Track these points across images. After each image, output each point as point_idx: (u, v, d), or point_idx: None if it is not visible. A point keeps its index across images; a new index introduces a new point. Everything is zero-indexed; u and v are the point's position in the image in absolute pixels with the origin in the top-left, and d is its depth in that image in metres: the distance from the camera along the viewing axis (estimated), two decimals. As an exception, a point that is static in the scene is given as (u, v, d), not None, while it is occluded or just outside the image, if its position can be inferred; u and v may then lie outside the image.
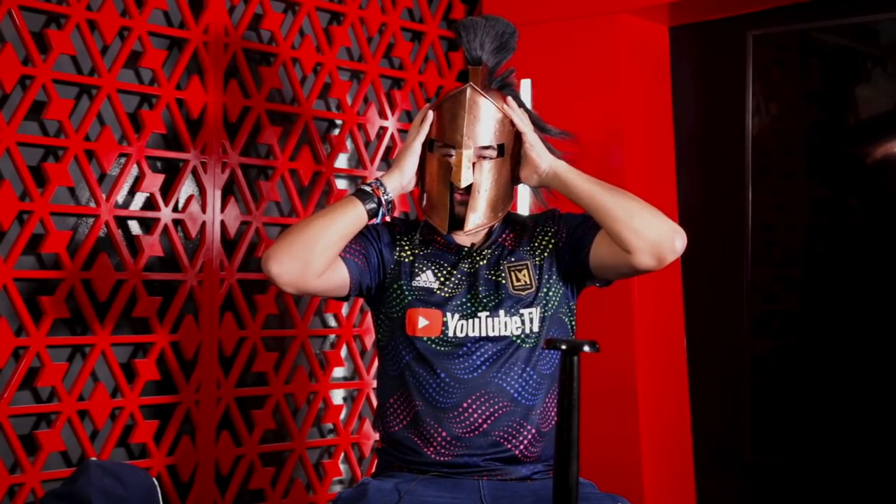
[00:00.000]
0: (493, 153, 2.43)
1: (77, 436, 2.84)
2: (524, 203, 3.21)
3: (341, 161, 3.44)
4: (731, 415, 3.58)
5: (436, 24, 3.65)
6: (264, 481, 3.19)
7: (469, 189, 2.41)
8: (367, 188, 2.41)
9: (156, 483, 2.46)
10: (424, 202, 2.50)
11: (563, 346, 1.83)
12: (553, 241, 2.48)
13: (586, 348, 1.83)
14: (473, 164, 2.41)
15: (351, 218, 2.37)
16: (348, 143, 3.45)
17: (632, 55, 3.51)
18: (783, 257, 3.59)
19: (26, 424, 2.80)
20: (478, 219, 2.43)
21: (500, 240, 2.50)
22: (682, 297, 3.60)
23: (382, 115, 3.50)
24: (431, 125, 2.46)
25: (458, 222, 2.44)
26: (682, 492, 3.55)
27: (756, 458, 3.54)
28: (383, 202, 2.40)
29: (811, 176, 3.56)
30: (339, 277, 2.41)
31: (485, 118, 2.42)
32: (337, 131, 3.43)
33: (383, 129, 3.51)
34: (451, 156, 2.43)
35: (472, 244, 2.50)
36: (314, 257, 2.33)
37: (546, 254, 2.46)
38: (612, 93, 3.47)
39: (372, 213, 2.39)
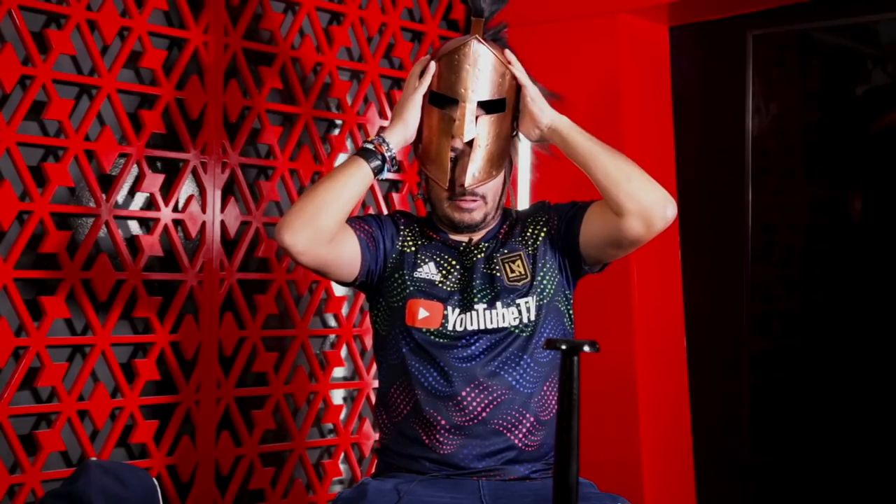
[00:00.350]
0: (496, 107, 2.42)
1: (77, 436, 2.83)
2: (523, 189, 3.19)
3: (341, 161, 3.44)
4: (731, 415, 3.58)
5: (436, 24, 3.65)
6: (264, 481, 3.19)
7: (470, 143, 2.39)
8: (370, 145, 2.39)
9: (156, 483, 2.46)
10: (421, 153, 2.48)
11: (563, 347, 1.83)
12: (545, 228, 2.48)
13: (586, 348, 1.83)
14: (476, 117, 2.40)
15: (357, 178, 2.36)
16: (348, 143, 3.45)
17: (632, 55, 3.51)
18: (783, 257, 3.59)
19: (26, 424, 2.80)
20: (477, 173, 2.41)
21: (497, 234, 2.51)
22: (682, 297, 3.60)
23: (382, 115, 3.50)
24: (433, 77, 2.44)
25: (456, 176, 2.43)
26: (682, 492, 3.55)
27: (756, 458, 3.54)
28: (387, 158, 2.39)
29: (811, 176, 3.56)
30: (351, 249, 2.40)
31: (489, 71, 2.40)
32: (337, 131, 3.43)
33: (383, 130, 3.51)
34: (453, 109, 2.41)
35: (471, 239, 2.50)
36: (325, 221, 2.31)
37: (539, 242, 2.47)
38: (612, 93, 3.47)
39: (377, 171, 2.38)
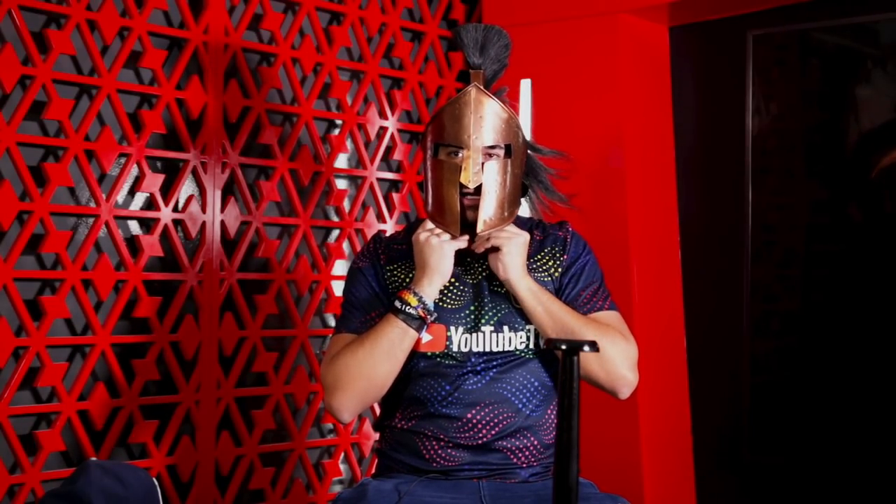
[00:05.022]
0: (501, 152, 2.40)
1: (77, 436, 2.84)
2: (523, 210, 3.19)
3: (341, 161, 3.44)
4: (731, 415, 3.58)
5: (436, 24, 3.65)
6: (264, 481, 3.19)
7: (478, 190, 2.38)
8: (414, 311, 2.33)
9: (156, 483, 2.46)
10: (430, 207, 2.43)
11: (563, 346, 1.83)
12: (557, 267, 2.44)
13: (586, 348, 1.83)
14: (482, 164, 2.38)
15: (405, 345, 2.34)
16: (348, 143, 3.46)
17: (632, 55, 3.51)
18: (783, 257, 3.59)
19: (26, 424, 2.80)
20: (488, 220, 2.38)
21: None
22: (682, 298, 3.60)
23: (382, 115, 3.50)
24: (434, 130, 2.42)
25: (468, 225, 2.40)
26: (682, 492, 3.55)
27: (756, 458, 3.54)
28: (426, 314, 2.36)
29: (811, 176, 3.56)
30: None
31: (491, 117, 2.38)
32: (337, 131, 3.44)
33: (383, 129, 3.52)
34: (457, 157, 2.40)
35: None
36: (381, 392, 2.37)
37: (547, 275, 2.43)
38: (612, 93, 3.47)
39: (419, 328, 2.35)
